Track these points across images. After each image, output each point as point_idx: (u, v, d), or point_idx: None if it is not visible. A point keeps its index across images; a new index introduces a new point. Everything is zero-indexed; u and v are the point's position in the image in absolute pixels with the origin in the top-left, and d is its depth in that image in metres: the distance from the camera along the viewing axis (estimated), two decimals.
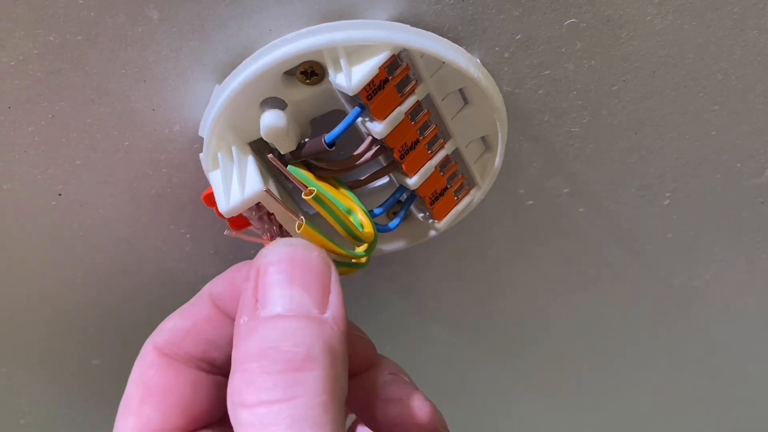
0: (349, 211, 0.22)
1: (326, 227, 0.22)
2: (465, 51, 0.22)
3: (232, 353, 0.19)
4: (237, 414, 0.18)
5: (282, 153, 0.22)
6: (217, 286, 0.23)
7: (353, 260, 0.23)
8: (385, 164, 0.23)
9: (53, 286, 0.29)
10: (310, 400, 0.18)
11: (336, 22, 0.21)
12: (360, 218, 0.22)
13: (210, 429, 0.23)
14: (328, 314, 0.19)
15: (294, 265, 0.20)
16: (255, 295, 0.20)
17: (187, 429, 0.22)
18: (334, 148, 0.21)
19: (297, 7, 0.21)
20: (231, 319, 0.23)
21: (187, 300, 0.24)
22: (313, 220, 0.25)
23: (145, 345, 0.23)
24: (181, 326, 0.23)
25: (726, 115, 0.26)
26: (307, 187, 0.20)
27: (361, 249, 0.23)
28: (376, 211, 0.24)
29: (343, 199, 0.23)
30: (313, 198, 0.20)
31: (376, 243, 0.23)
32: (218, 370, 0.24)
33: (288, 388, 0.18)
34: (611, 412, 0.46)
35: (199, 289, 0.24)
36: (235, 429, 0.18)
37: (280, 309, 0.19)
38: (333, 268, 0.20)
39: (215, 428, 0.23)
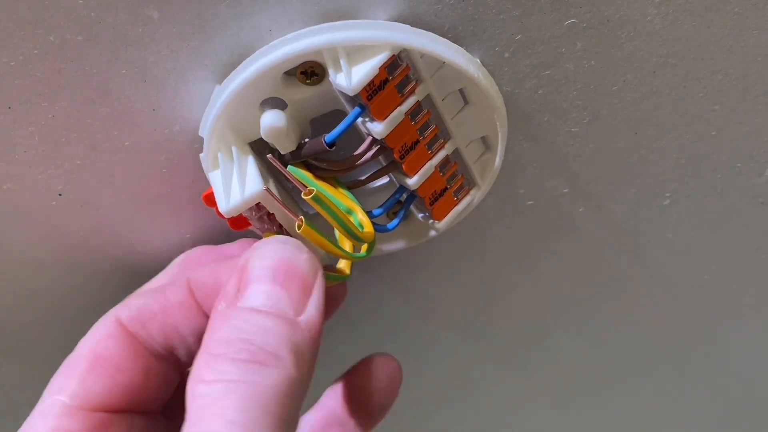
0: (350, 211, 0.22)
1: (326, 227, 0.22)
2: (465, 51, 0.22)
3: (204, 337, 0.19)
4: (194, 388, 0.18)
5: (282, 153, 0.22)
6: (199, 275, 0.23)
7: (341, 274, 0.23)
8: (385, 164, 0.23)
9: (53, 286, 0.29)
10: (267, 389, 0.18)
11: (336, 22, 0.21)
12: (360, 218, 0.22)
13: (145, 416, 0.23)
14: (303, 317, 0.19)
15: (280, 263, 0.20)
16: (237, 285, 0.20)
17: (123, 410, 0.22)
18: (334, 148, 0.21)
19: (297, 7, 0.21)
20: (203, 312, 0.23)
21: None
22: (314, 220, 0.25)
23: (107, 315, 0.23)
24: (150, 306, 0.23)
25: (726, 115, 0.26)
26: (306, 187, 0.20)
27: (361, 250, 0.23)
28: (376, 211, 0.23)
29: (343, 199, 0.23)
30: (313, 198, 0.20)
31: (375, 243, 0.23)
32: (172, 361, 0.23)
33: (248, 374, 0.18)
34: (610, 411, 0.46)
35: None
36: (188, 405, 0.18)
37: (257, 303, 0.19)
38: (320, 273, 0.20)
39: (150, 417, 0.23)
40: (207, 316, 0.23)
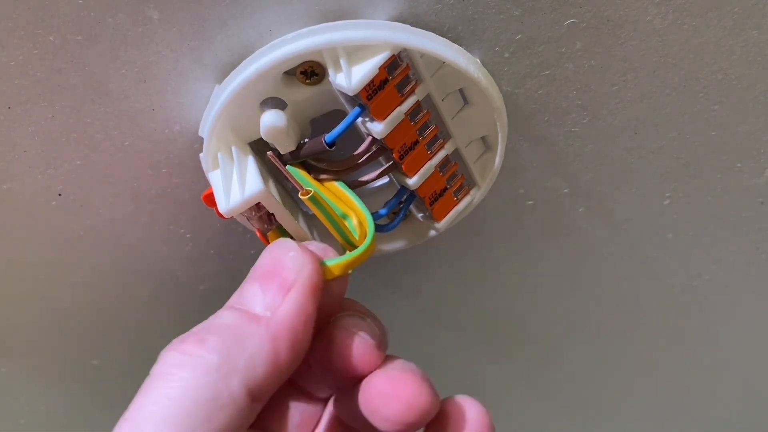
0: (345, 216, 0.22)
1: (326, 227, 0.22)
2: (465, 51, 0.22)
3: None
4: None
5: (282, 153, 0.22)
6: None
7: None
8: (385, 165, 0.23)
9: (53, 286, 0.29)
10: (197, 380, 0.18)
11: (336, 22, 0.21)
12: (355, 223, 0.22)
13: None
14: (271, 314, 0.19)
15: (264, 264, 0.20)
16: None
17: None
18: (334, 148, 0.21)
19: (297, 7, 0.21)
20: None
21: (185, 301, 0.24)
22: (313, 220, 0.25)
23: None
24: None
25: (726, 115, 0.26)
26: (303, 188, 0.20)
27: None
28: (381, 211, 0.23)
29: (339, 203, 0.23)
30: (310, 198, 0.20)
31: (372, 246, 0.23)
32: None
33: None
34: (609, 411, 0.46)
35: (199, 290, 0.24)
36: None
37: (233, 301, 0.20)
38: (308, 269, 0.20)
39: None
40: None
